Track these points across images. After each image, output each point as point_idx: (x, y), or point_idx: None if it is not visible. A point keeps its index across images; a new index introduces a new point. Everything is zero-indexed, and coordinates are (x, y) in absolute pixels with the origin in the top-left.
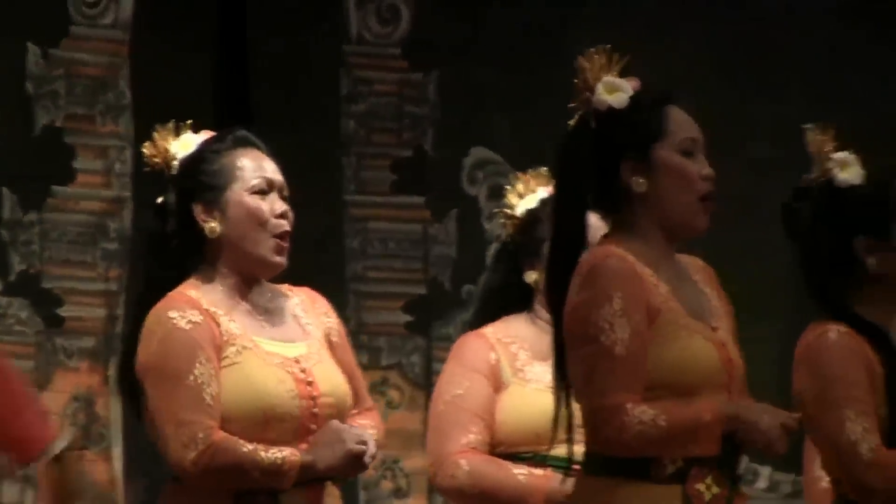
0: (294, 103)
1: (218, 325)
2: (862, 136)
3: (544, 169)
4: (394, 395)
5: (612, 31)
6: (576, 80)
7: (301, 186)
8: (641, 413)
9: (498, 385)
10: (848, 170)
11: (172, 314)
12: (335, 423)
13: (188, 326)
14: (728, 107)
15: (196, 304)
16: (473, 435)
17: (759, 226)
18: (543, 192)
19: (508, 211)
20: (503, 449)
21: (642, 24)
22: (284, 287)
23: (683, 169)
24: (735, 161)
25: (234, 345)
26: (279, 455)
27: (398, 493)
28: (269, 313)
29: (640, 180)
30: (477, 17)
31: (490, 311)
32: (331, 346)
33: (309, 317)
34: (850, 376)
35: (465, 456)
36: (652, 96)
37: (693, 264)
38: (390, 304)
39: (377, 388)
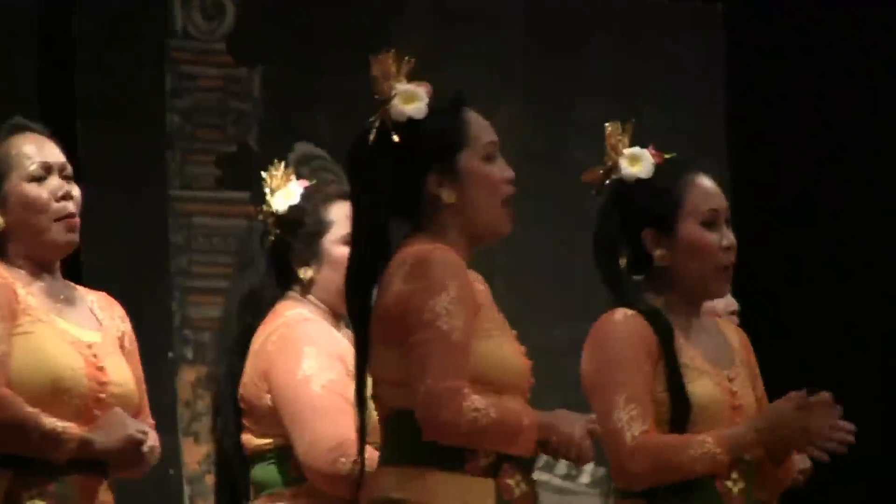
0: (119, 98)
1: (16, 294)
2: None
3: (282, 162)
4: None
5: (435, 31)
6: (375, 95)
7: (126, 181)
8: (476, 400)
9: (349, 374)
10: (637, 164)
11: None
12: (119, 409)
13: None
14: (552, 108)
15: None
16: (353, 422)
17: (582, 226)
18: (296, 185)
19: (268, 208)
20: None
21: (465, 24)
22: (80, 287)
23: (488, 176)
24: (558, 161)
25: (29, 315)
26: (60, 424)
27: None
28: (66, 300)
29: (449, 191)
30: (300, 13)
31: (254, 307)
32: (122, 349)
33: (105, 315)
34: (628, 359)
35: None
36: (449, 103)
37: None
38: (215, 299)
39: (202, 384)
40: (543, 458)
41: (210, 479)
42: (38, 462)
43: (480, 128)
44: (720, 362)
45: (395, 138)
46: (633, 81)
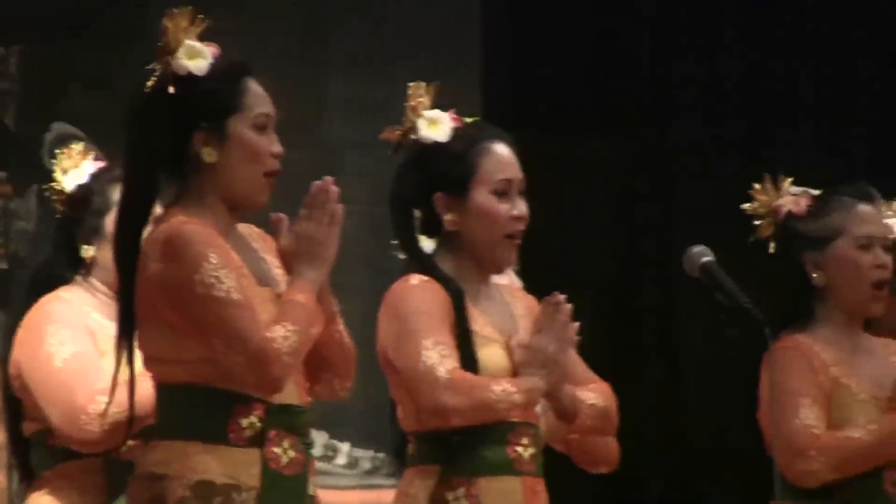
0: None
1: None
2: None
3: (82, 144)
4: None
5: (193, 7)
6: (159, 44)
7: None
8: (276, 332)
9: (98, 350)
10: (435, 127)
11: None
12: None
13: None
14: (304, 84)
15: None
16: (102, 384)
17: None
18: (90, 165)
19: (57, 187)
20: None
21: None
22: None
23: (254, 144)
24: (310, 139)
25: None
26: None
27: None
28: None
29: (211, 151)
30: None
31: (42, 286)
32: None
33: None
34: (429, 312)
35: (103, 394)
36: (231, 67)
37: (252, 233)
38: None
39: None
40: None
41: None
42: None
43: (257, 97)
44: (507, 331)
45: (171, 90)
46: (388, 56)
